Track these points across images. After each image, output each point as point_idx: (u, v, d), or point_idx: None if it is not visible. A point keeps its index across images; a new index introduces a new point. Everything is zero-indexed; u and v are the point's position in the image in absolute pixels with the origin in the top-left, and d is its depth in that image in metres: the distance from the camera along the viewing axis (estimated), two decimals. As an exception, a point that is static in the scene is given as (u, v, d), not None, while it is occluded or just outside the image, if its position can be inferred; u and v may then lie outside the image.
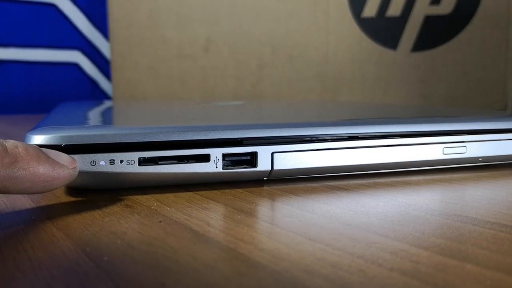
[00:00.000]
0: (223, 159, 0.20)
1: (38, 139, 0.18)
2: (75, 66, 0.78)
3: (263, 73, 0.64)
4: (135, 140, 0.19)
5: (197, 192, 0.20)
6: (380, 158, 0.22)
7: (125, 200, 0.19)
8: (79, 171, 0.18)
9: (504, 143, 0.25)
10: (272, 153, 0.21)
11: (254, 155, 0.20)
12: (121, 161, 0.19)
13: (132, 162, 0.19)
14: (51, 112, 0.30)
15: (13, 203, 0.19)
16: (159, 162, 0.19)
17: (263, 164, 0.21)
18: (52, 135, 0.18)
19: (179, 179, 0.20)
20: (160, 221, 0.16)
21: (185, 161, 0.20)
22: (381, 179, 0.23)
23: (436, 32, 0.57)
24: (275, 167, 0.21)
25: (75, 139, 0.18)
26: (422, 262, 0.12)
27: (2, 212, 0.17)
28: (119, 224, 0.16)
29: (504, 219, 0.16)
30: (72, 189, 0.21)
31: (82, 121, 0.24)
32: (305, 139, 0.21)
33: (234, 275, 0.12)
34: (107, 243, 0.14)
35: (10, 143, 0.16)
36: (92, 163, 0.18)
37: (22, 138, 0.19)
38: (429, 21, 0.57)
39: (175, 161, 0.19)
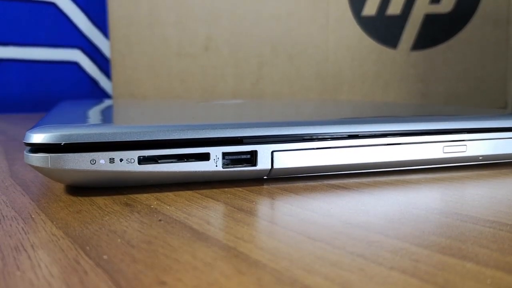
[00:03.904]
0: (223, 157, 0.20)
1: (37, 137, 0.18)
2: (75, 65, 0.78)
3: (263, 71, 0.64)
4: (135, 139, 0.19)
5: (197, 191, 0.20)
6: (380, 157, 0.22)
7: (125, 199, 0.19)
8: (79, 169, 0.18)
9: (504, 141, 0.25)
10: (272, 152, 0.21)
11: (254, 153, 0.20)
12: (121, 160, 0.19)
13: (132, 160, 0.19)
14: (51, 111, 0.30)
15: (13, 202, 0.19)
16: (159, 161, 0.19)
17: (263, 163, 0.20)
18: (52, 134, 0.18)
19: (179, 177, 0.20)
20: (160, 220, 0.16)
21: (185, 160, 0.20)
22: (381, 177, 0.23)
23: (436, 31, 0.57)
24: (275, 166, 0.21)
25: (75, 138, 0.18)
26: (422, 260, 0.12)
27: (1, 211, 0.17)
28: (119, 223, 0.16)
29: (505, 217, 0.16)
30: (72, 187, 0.21)
31: (82, 120, 0.24)
32: (305, 137, 0.21)
33: (234, 273, 0.12)
34: (107, 241, 0.14)
35: None
36: (92, 161, 0.18)
37: (22, 137, 0.19)
38: (429, 20, 0.57)
39: (175, 160, 0.19)
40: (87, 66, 0.79)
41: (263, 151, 0.20)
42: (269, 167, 0.21)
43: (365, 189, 0.20)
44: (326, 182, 0.22)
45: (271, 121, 0.21)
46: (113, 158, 0.19)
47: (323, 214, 0.17)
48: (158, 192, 0.20)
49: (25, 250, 0.13)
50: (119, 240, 0.14)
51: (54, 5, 0.76)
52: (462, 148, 0.24)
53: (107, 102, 0.42)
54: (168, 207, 0.18)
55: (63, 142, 0.18)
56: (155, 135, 0.19)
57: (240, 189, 0.20)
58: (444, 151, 0.23)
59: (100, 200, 0.19)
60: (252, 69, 0.64)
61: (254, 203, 0.18)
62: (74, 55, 0.78)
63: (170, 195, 0.19)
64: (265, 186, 0.21)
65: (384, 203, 0.18)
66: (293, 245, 0.14)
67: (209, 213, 0.17)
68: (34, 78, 0.75)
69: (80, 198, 0.19)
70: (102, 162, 0.18)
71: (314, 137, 0.21)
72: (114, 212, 0.17)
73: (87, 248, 0.13)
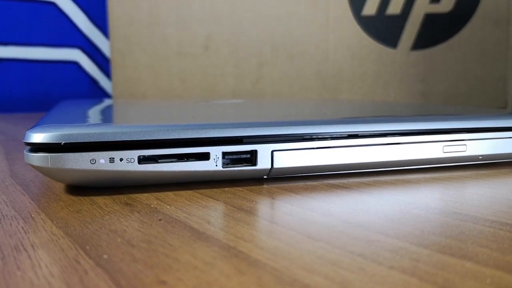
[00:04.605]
0: (223, 157, 0.20)
1: (38, 137, 0.18)
2: (75, 65, 0.78)
3: (263, 71, 0.64)
4: (135, 138, 0.19)
5: (197, 190, 0.20)
6: (380, 156, 0.22)
7: (125, 199, 0.19)
8: (79, 169, 0.18)
9: (504, 141, 0.25)
10: (272, 151, 0.21)
11: (254, 153, 0.20)
12: (121, 159, 0.19)
13: (132, 160, 0.19)
14: (51, 111, 0.30)
15: (13, 202, 0.19)
16: (159, 161, 0.19)
17: (263, 162, 0.21)
18: (52, 133, 0.18)
19: (179, 177, 0.20)
20: (160, 219, 0.16)
21: (185, 159, 0.20)
22: (381, 177, 0.23)
23: (436, 30, 0.57)
24: (275, 165, 0.21)
25: (75, 137, 0.18)
26: (422, 260, 0.12)
27: (2, 211, 0.17)
28: (119, 222, 0.16)
29: (504, 217, 0.16)
30: (72, 187, 0.21)
31: (82, 120, 0.24)
32: (305, 137, 0.21)
33: (234, 273, 0.12)
34: (107, 241, 0.14)
35: None
36: (92, 161, 0.18)
37: (22, 136, 0.19)
38: (429, 19, 0.57)
39: (175, 159, 0.19)
40: (87, 65, 0.79)
41: (263, 151, 0.20)
42: (269, 166, 0.21)
43: (365, 188, 0.21)
44: (326, 181, 0.22)
45: (271, 121, 0.21)
46: (113, 158, 0.19)
47: (323, 214, 0.17)
48: (158, 191, 0.20)
49: (25, 250, 0.13)
50: (119, 239, 0.14)
51: (54, 4, 0.76)
52: (462, 148, 0.24)
53: (107, 102, 0.42)
54: (168, 207, 0.18)
55: (63, 142, 0.18)
56: (155, 134, 0.19)
57: (240, 188, 0.20)
58: (444, 151, 0.23)
59: (100, 200, 0.19)
60: (252, 69, 0.64)
61: (254, 202, 0.18)
62: (74, 54, 0.78)
63: (170, 194, 0.19)
64: (265, 186, 0.21)
65: (384, 202, 0.18)
66: (293, 244, 0.14)
67: (209, 213, 0.17)
68: (34, 77, 0.75)
69: (80, 197, 0.19)
70: (102, 161, 0.18)
71: (314, 136, 0.21)
72: (114, 212, 0.17)
73: (87, 247, 0.13)
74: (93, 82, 0.80)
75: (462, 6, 0.55)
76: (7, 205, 0.18)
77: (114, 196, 0.19)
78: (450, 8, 0.56)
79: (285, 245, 0.14)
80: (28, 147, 0.19)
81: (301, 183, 0.21)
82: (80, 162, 0.18)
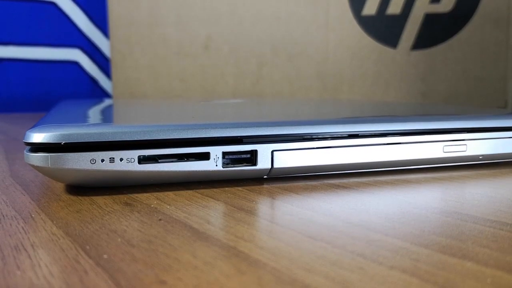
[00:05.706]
0: (223, 157, 0.20)
1: (38, 137, 0.18)
2: (75, 64, 0.78)
3: (263, 71, 0.64)
4: (135, 138, 0.19)
5: (197, 190, 0.20)
6: (380, 156, 0.22)
7: (125, 198, 0.19)
8: (79, 169, 0.18)
9: (504, 141, 0.25)
10: (272, 151, 0.21)
11: (254, 153, 0.20)
12: (121, 159, 0.19)
13: (132, 160, 0.19)
14: (51, 110, 0.30)
15: (13, 202, 0.19)
16: (159, 160, 0.19)
17: (263, 162, 0.20)
18: (52, 133, 0.18)
19: (179, 177, 0.20)
20: (160, 219, 0.16)
21: (185, 159, 0.20)
22: (381, 177, 0.23)
23: (436, 30, 0.57)
24: (275, 165, 0.21)
25: (75, 137, 0.18)
26: (422, 260, 0.12)
27: (2, 211, 0.17)
28: (119, 222, 0.16)
29: (505, 217, 0.16)
30: (72, 187, 0.21)
31: (82, 119, 0.24)
32: (305, 137, 0.21)
33: (234, 272, 0.12)
34: (107, 241, 0.14)
35: None
36: (92, 161, 0.18)
37: (22, 136, 0.19)
38: (429, 19, 0.57)
39: (175, 159, 0.19)
40: (87, 65, 0.79)
41: (263, 151, 0.20)
42: (269, 166, 0.21)
43: (365, 188, 0.20)
44: (326, 181, 0.22)
45: (271, 121, 0.21)
46: (113, 158, 0.19)
47: (323, 214, 0.17)
48: (158, 191, 0.20)
49: (25, 250, 0.13)
50: (119, 239, 0.14)
51: (54, 4, 0.76)
52: (462, 148, 0.24)
53: (107, 102, 0.42)
54: (168, 207, 0.18)
55: (63, 142, 0.18)
56: (155, 134, 0.19)
57: (240, 188, 0.20)
58: (444, 151, 0.23)
59: (100, 200, 0.19)
60: (252, 69, 0.64)
61: (254, 202, 0.18)
62: (74, 54, 0.78)
63: (170, 194, 0.19)
64: (265, 186, 0.21)
65: (384, 202, 0.18)
66: (293, 244, 0.14)
67: (209, 213, 0.17)
68: (34, 77, 0.75)
69: (80, 197, 0.19)
70: (102, 161, 0.18)
71: (314, 136, 0.21)
72: (114, 212, 0.17)
73: (87, 247, 0.13)
74: (93, 82, 0.80)
75: (462, 6, 0.55)
76: (7, 205, 0.18)
77: (114, 196, 0.19)
78: (450, 8, 0.56)
79: (285, 245, 0.14)
80: (28, 147, 0.19)
81: (301, 183, 0.21)
82: (80, 162, 0.18)
